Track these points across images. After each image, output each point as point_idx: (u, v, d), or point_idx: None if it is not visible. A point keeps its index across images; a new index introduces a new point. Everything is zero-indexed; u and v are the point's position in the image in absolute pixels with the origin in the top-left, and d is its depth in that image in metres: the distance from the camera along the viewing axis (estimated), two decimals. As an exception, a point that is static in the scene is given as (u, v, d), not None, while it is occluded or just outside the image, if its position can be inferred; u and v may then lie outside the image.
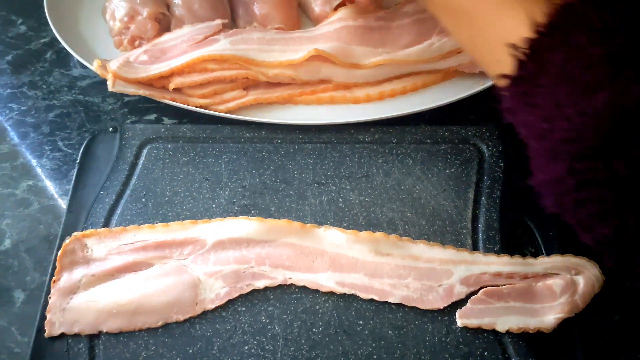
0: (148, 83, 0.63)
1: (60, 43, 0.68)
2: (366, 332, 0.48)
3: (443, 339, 0.47)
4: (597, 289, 0.48)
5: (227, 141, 0.61)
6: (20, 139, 0.65)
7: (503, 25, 0.37)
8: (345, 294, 0.50)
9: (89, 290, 0.50)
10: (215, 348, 0.47)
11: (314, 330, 0.48)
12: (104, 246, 0.52)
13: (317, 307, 0.50)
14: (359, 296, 0.50)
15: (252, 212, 0.56)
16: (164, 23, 0.70)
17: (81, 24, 0.72)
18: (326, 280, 0.50)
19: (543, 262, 0.50)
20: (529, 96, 0.35)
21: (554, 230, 0.53)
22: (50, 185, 0.60)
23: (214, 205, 0.56)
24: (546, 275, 0.50)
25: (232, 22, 0.72)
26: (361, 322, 0.48)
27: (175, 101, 0.62)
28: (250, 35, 0.66)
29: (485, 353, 0.47)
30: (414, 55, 0.65)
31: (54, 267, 0.51)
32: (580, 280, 0.49)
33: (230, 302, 0.50)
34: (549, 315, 0.48)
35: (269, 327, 0.48)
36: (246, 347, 0.47)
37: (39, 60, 0.72)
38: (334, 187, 0.57)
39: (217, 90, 0.64)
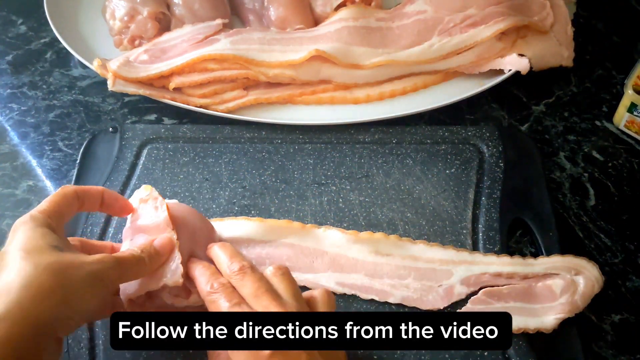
0: (148, 82, 0.63)
1: (60, 43, 0.68)
2: (366, 332, 0.48)
3: (443, 339, 0.47)
4: (597, 289, 0.49)
5: (227, 141, 0.61)
6: (20, 139, 0.65)
7: None
8: (345, 294, 0.50)
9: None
10: (216, 348, 0.47)
11: (314, 330, 0.48)
12: None
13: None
14: (359, 296, 0.50)
15: (252, 212, 0.56)
16: (164, 22, 0.70)
17: (81, 24, 0.72)
18: (326, 281, 0.50)
19: (543, 263, 0.50)
20: None
21: (554, 230, 0.54)
22: (50, 186, 0.60)
23: (214, 206, 0.56)
24: (546, 275, 0.50)
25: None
26: (361, 323, 0.48)
27: (175, 101, 0.62)
28: (250, 35, 0.66)
29: (485, 353, 0.47)
30: (414, 56, 0.65)
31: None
32: (580, 281, 0.49)
33: (231, 302, 0.50)
34: (549, 316, 0.48)
35: (269, 327, 0.48)
36: (246, 347, 0.47)
37: (39, 60, 0.72)
38: (334, 188, 0.57)
39: (217, 90, 0.64)
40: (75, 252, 0.40)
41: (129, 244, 0.45)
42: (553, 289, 0.49)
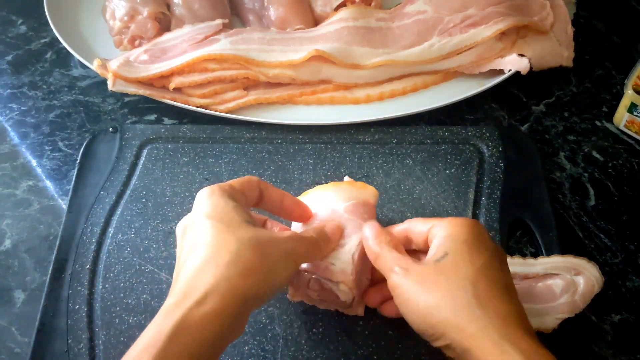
0: (148, 83, 0.63)
1: (60, 43, 0.68)
2: (366, 332, 0.48)
3: (443, 339, 0.47)
4: (597, 289, 0.49)
5: (227, 141, 0.61)
6: (20, 139, 0.65)
7: None
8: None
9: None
10: (216, 348, 0.47)
11: (314, 330, 0.48)
12: None
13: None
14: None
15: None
16: (164, 23, 0.70)
17: (81, 24, 0.73)
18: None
19: (543, 263, 0.50)
20: None
21: (553, 230, 0.54)
22: (50, 186, 0.60)
23: (214, 206, 0.56)
24: (546, 275, 0.50)
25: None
26: (361, 322, 0.48)
27: (175, 101, 0.63)
28: (250, 35, 0.66)
29: (485, 353, 0.47)
30: (414, 56, 0.65)
31: (54, 267, 0.51)
32: (581, 281, 0.49)
33: (231, 302, 0.50)
34: (549, 316, 0.48)
35: (269, 327, 0.48)
36: (246, 348, 0.47)
37: (39, 60, 0.72)
38: (334, 188, 0.57)
39: (217, 90, 0.64)
40: (264, 229, 0.41)
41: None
42: (553, 289, 0.49)
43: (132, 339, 0.47)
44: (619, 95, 0.63)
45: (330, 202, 0.47)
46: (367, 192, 0.48)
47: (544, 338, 0.47)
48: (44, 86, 0.69)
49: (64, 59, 0.72)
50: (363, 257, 0.44)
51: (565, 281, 0.49)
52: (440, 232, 0.40)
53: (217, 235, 0.37)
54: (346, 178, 0.50)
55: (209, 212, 0.39)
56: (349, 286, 0.43)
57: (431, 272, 0.38)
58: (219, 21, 0.68)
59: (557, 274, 0.49)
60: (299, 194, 0.56)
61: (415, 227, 0.43)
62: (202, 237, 0.38)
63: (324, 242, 0.43)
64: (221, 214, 0.39)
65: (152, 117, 0.66)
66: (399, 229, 0.44)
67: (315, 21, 0.71)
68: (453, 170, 0.58)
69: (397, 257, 0.40)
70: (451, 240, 0.39)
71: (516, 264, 0.50)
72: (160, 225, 0.55)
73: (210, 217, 0.38)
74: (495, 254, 0.39)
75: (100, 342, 0.48)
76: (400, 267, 0.39)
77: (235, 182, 0.42)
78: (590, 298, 0.48)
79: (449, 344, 0.36)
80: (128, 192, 0.57)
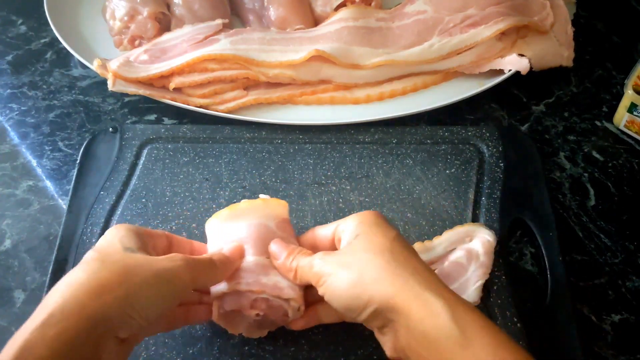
0: (148, 83, 0.63)
1: (60, 43, 0.68)
2: (366, 332, 0.48)
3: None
4: (493, 241, 0.50)
5: (227, 141, 0.61)
6: (20, 139, 0.65)
7: None
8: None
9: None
10: (216, 348, 0.47)
11: (314, 330, 0.48)
12: None
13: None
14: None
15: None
16: (164, 23, 0.70)
17: (81, 24, 0.73)
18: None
19: (440, 243, 0.51)
20: None
21: (553, 230, 0.54)
22: (50, 186, 0.60)
23: (214, 206, 0.56)
24: (448, 253, 0.50)
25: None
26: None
27: (175, 101, 0.63)
28: (250, 35, 0.66)
29: (485, 353, 0.47)
30: (414, 56, 0.65)
31: (54, 267, 0.51)
32: (477, 243, 0.50)
33: (231, 302, 0.49)
34: (468, 289, 0.48)
35: (269, 327, 0.48)
36: (246, 348, 0.47)
37: (39, 60, 0.72)
38: (334, 188, 0.57)
39: (218, 90, 0.64)
40: (148, 255, 0.39)
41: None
42: (460, 262, 0.50)
43: (132, 339, 0.47)
44: (619, 95, 0.63)
45: (256, 220, 0.46)
46: (285, 209, 0.48)
47: (544, 338, 0.47)
48: (44, 86, 0.69)
49: (64, 59, 0.72)
50: None
51: (464, 250, 0.50)
52: (348, 226, 0.42)
53: (84, 262, 0.37)
54: (262, 196, 0.49)
55: (98, 243, 0.40)
56: (299, 302, 0.43)
57: (347, 251, 0.41)
58: (219, 21, 0.68)
59: (455, 248, 0.51)
60: (299, 193, 0.57)
61: (320, 232, 0.45)
62: (78, 265, 0.37)
63: (221, 262, 0.41)
64: (103, 242, 0.40)
65: (152, 117, 0.66)
66: (305, 237, 0.46)
67: (315, 21, 0.71)
68: (453, 170, 0.59)
69: (313, 256, 0.42)
70: (359, 225, 0.42)
71: (419, 251, 0.50)
72: (160, 225, 0.55)
73: (96, 247, 0.40)
74: (400, 236, 0.42)
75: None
76: (318, 257, 0.41)
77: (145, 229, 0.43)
78: (493, 252, 0.50)
79: (376, 309, 0.37)
80: (128, 192, 0.57)
